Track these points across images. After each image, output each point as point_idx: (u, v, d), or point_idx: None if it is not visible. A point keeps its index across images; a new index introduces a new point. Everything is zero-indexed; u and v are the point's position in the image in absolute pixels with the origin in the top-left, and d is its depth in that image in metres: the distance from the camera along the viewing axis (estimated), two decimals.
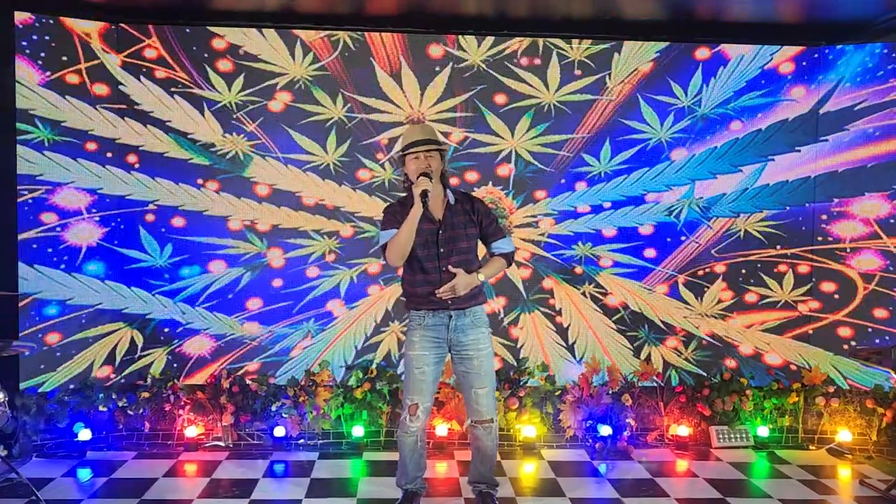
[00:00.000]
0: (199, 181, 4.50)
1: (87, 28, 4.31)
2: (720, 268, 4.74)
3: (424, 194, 3.10)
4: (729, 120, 4.66)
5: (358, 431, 4.43)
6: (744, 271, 4.74)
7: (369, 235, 4.63)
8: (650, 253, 4.72)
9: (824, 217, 4.66)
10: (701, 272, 4.75)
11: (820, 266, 4.68)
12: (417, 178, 3.15)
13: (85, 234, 4.36)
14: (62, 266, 4.30)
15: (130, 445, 4.37)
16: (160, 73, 4.42)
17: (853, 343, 4.61)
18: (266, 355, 4.60)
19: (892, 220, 4.54)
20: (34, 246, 4.22)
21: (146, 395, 4.41)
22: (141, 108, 4.42)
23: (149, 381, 4.49)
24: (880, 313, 4.57)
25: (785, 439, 4.62)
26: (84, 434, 4.27)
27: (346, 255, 4.62)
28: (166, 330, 4.54)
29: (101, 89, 4.35)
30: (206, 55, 4.44)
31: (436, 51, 4.55)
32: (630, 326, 4.75)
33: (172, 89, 4.43)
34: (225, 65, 4.46)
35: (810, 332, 4.71)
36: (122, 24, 4.36)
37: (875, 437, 4.46)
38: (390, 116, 4.57)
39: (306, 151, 4.56)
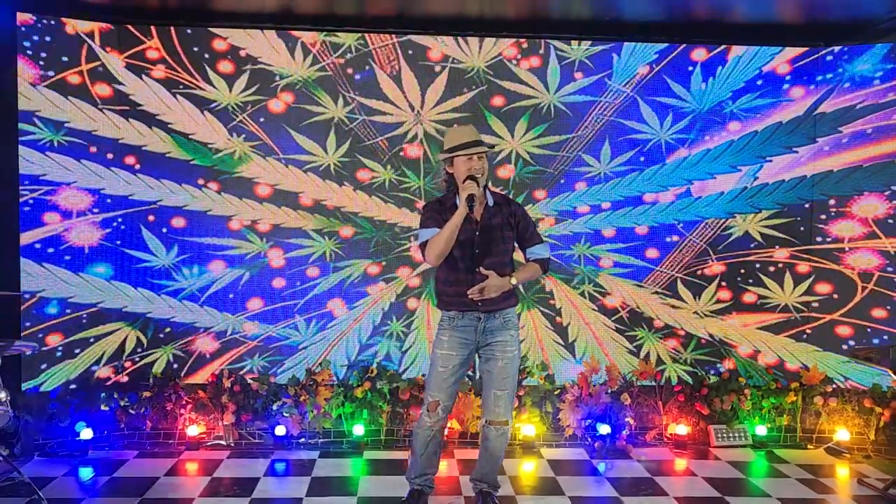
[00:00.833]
0: (201, 181, 4.52)
1: (89, 29, 4.32)
2: (718, 267, 4.76)
3: (472, 198, 3.07)
4: (727, 120, 4.68)
5: (359, 430, 4.45)
6: (742, 271, 4.76)
7: (369, 235, 4.65)
8: (650, 253, 4.74)
9: (823, 217, 4.69)
10: (700, 272, 4.77)
11: (818, 266, 4.70)
12: (464, 181, 3.11)
13: (86, 234, 4.37)
14: (63, 265, 4.31)
15: (132, 444, 4.38)
16: (161, 73, 4.44)
17: (852, 343, 4.64)
18: (267, 355, 4.63)
19: (889, 221, 4.56)
20: (37, 245, 4.24)
21: (148, 394, 4.43)
22: (143, 109, 4.43)
23: (150, 380, 4.50)
24: (878, 313, 4.60)
25: (783, 438, 4.64)
26: (86, 433, 4.28)
27: (347, 254, 4.64)
28: (168, 329, 4.56)
29: (102, 90, 4.36)
30: (206, 56, 4.46)
31: (435, 52, 4.57)
32: (629, 326, 4.77)
33: (174, 90, 4.45)
34: (226, 66, 4.48)
35: (808, 331, 4.73)
36: (125, 25, 4.37)
37: (873, 436, 4.48)
38: (391, 118, 4.59)
39: (307, 152, 4.58)
